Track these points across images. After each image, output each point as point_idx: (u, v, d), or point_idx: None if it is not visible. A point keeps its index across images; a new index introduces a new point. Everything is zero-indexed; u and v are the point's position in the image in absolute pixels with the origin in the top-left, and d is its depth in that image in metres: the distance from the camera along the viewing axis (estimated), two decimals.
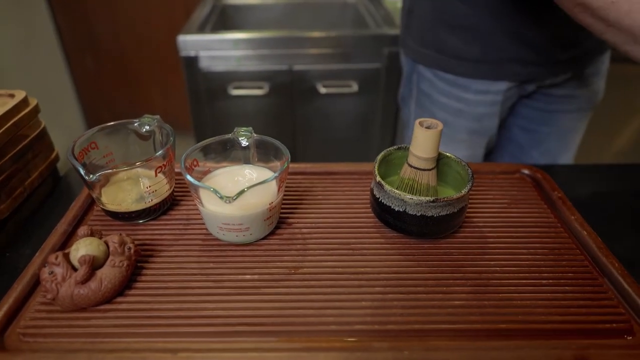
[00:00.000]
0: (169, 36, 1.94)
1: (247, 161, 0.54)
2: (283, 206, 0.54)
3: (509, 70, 0.80)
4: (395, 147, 0.53)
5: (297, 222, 0.52)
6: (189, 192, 0.57)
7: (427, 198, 0.45)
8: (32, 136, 0.62)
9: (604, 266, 0.47)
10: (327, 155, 1.53)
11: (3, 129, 0.56)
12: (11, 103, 0.59)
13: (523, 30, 0.75)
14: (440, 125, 0.46)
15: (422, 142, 0.46)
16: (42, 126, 0.64)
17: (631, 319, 0.41)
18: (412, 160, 0.48)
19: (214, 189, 0.43)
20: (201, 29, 1.32)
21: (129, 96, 2.11)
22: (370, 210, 0.53)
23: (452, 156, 0.51)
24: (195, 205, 0.55)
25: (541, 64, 0.79)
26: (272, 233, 0.50)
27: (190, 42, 1.24)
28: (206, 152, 0.51)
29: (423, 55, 0.86)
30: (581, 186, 0.65)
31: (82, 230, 0.43)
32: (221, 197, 0.42)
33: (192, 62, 1.26)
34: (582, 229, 0.51)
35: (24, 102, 0.61)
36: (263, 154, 0.52)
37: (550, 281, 0.45)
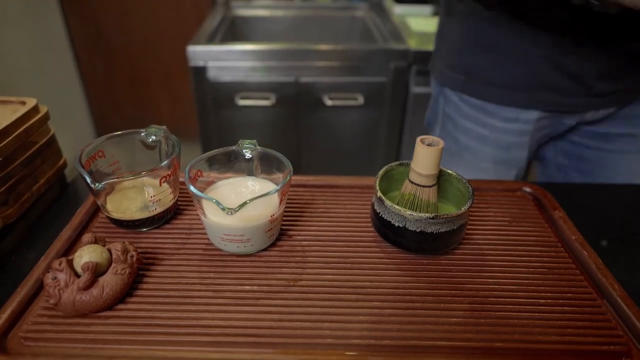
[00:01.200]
0: (179, 45, 1.96)
1: (250, 173, 0.54)
2: (284, 218, 0.55)
3: (541, 98, 0.75)
4: (397, 162, 0.53)
5: (298, 235, 0.53)
6: (192, 201, 0.58)
7: (427, 214, 0.45)
8: (41, 143, 0.63)
9: (604, 287, 0.47)
10: (331, 167, 1.54)
11: (13, 135, 0.57)
12: (22, 110, 0.60)
13: (560, 56, 0.71)
14: (441, 143, 0.47)
15: (423, 159, 0.47)
16: (51, 133, 0.66)
17: (629, 342, 0.41)
18: (413, 176, 0.49)
19: (216, 200, 0.43)
20: (210, 40, 1.34)
21: (138, 103, 2.13)
22: (371, 224, 0.53)
23: (454, 173, 0.52)
24: (197, 215, 0.55)
25: (578, 94, 0.74)
26: (272, 245, 0.51)
27: (200, 52, 1.26)
28: (210, 163, 0.52)
29: (450, 78, 0.83)
30: (584, 205, 0.65)
31: (86, 237, 0.44)
32: (223, 209, 0.43)
33: (200, 71, 1.28)
34: (583, 249, 0.51)
35: (35, 109, 0.62)
36: (266, 166, 0.53)
37: (549, 301, 0.45)
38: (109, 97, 2.15)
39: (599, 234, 0.56)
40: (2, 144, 0.56)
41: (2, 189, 0.56)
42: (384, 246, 0.51)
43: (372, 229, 0.53)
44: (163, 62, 2.05)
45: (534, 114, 0.78)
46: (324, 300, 0.44)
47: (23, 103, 0.63)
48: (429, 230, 0.46)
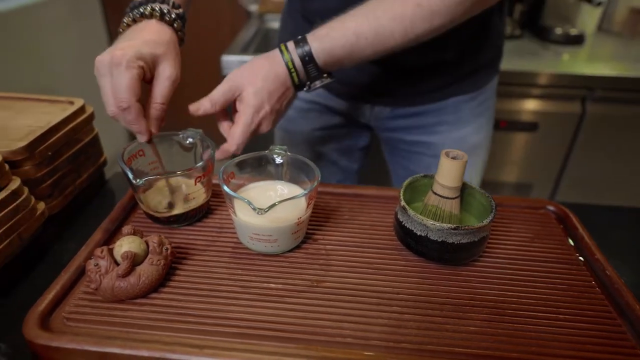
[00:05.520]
0: (214, 54, 2.03)
1: (279, 177, 0.57)
2: (310, 223, 0.57)
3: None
4: (421, 174, 0.55)
5: (322, 239, 0.55)
6: (223, 202, 0.61)
7: (449, 225, 0.47)
8: (85, 141, 0.67)
9: (624, 307, 0.47)
10: (377, 179, 1.54)
11: (62, 132, 0.62)
12: (70, 109, 0.65)
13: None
14: (465, 157, 0.48)
15: (447, 171, 0.49)
16: (95, 132, 0.70)
17: None
18: (436, 188, 0.50)
19: (248, 200, 0.46)
20: (244, 50, 1.38)
21: (171, 108, 2.20)
22: (394, 233, 0.55)
23: (477, 187, 0.53)
24: (228, 215, 0.58)
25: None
26: (298, 247, 0.53)
27: (233, 62, 1.31)
28: (242, 166, 0.55)
29: None
30: (608, 227, 0.65)
31: (126, 229, 0.47)
32: (254, 209, 0.45)
33: None
34: (605, 268, 0.51)
35: (82, 109, 0.67)
36: (295, 171, 0.55)
37: (568, 317, 0.46)
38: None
39: (620, 255, 0.57)
40: (51, 140, 0.60)
41: (49, 182, 0.60)
42: (405, 254, 0.53)
43: (395, 237, 0.54)
44: (198, 70, 2.11)
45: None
46: (345, 302, 0.46)
47: (71, 103, 0.68)
48: (450, 241, 0.48)
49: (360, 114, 0.87)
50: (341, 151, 0.95)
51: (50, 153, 0.60)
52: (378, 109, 0.85)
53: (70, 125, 0.64)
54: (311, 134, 0.90)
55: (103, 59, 0.50)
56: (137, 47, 0.51)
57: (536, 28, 1.60)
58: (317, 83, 0.60)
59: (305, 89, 0.61)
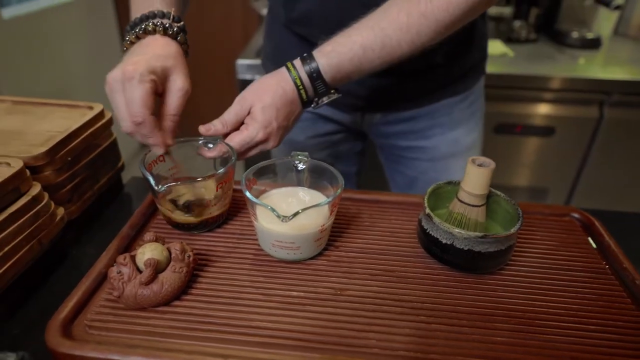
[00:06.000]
0: (226, 60, 2.04)
1: (300, 183, 0.56)
2: (332, 229, 0.56)
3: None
4: (445, 181, 0.54)
5: (344, 246, 0.54)
6: (243, 208, 0.60)
7: (476, 233, 0.46)
8: (104, 145, 0.67)
9: None
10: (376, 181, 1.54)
11: (81, 137, 0.62)
12: (89, 115, 0.65)
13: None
14: (492, 164, 0.47)
15: (473, 179, 0.48)
16: (113, 137, 0.70)
17: None
18: (462, 195, 0.49)
19: (271, 207, 0.45)
20: (259, 55, 1.38)
21: (184, 113, 2.21)
22: (417, 240, 0.54)
23: (502, 195, 0.52)
24: (248, 221, 0.58)
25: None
26: (320, 254, 0.52)
27: (248, 66, 1.31)
28: (263, 172, 0.54)
29: None
30: (634, 234, 0.63)
31: (149, 235, 0.47)
32: (278, 216, 0.45)
33: (247, 85, 1.32)
34: (635, 277, 0.50)
35: (101, 114, 0.67)
36: (316, 178, 0.55)
37: (598, 327, 0.45)
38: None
39: None
40: (71, 145, 0.60)
41: (69, 187, 0.60)
42: (429, 262, 0.52)
43: (418, 244, 0.54)
44: (209, 76, 2.12)
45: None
46: (369, 311, 0.45)
47: (90, 108, 0.68)
48: (477, 249, 0.47)
49: (353, 121, 0.87)
50: (337, 156, 0.95)
51: (70, 158, 0.60)
52: (369, 116, 0.85)
53: (90, 131, 0.64)
54: (305, 142, 0.90)
55: (115, 75, 0.50)
56: (148, 61, 0.51)
57: (552, 32, 1.59)
58: (325, 99, 0.60)
59: (312, 105, 0.61)
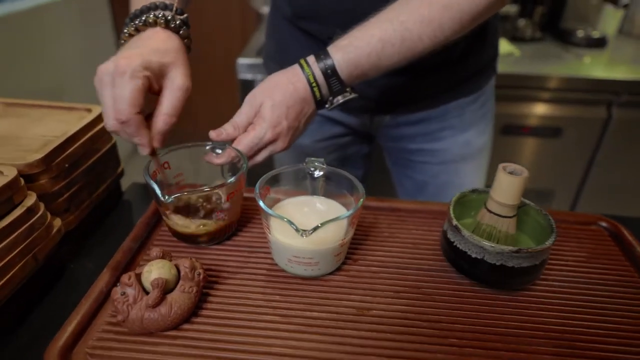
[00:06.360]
0: (223, 60, 1.99)
1: (315, 192, 0.53)
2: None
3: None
4: (470, 189, 0.51)
5: (363, 259, 0.51)
6: (252, 217, 0.57)
7: (510, 247, 0.42)
8: (103, 150, 0.63)
9: None
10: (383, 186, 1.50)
11: (80, 142, 0.58)
12: (88, 118, 0.61)
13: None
14: (525, 172, 0.44)
15: (505, 188, 0.44)
16: (113, 141, 0.66)
17: None
18: (492, 206, 0.46)
19: (288, 220, 0.42)
20: (260, 54, 1.35)
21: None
22: (440, 252, 0.50)
23: (531, 204, 0.49)
24: (259, 232, 0.54)
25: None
26: (338, 269, 0.49)
27: (249, 65, 1.27)
28: (277, 180, 0.50)
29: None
30: None
31: (155, 251, 0.43)
32: (297, 230, 0.41)
33: (248, 85, 1.28)
34: None
35: (100, 117, 0.62)
36: (333, 186, 0.51)
37: None
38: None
39: None
40: (69, 151, 0.56)
41: (66, 195, 0.56)
42: (455, 277, 0.48)
43: (442, 257, 0.50)
44: (205, 76, 2.08)
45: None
46: (397, 334, 0.41)
47: (89, 110, 0.63)
48: (510, 265, 0.43)
49: (361, 124, 0.84)
50: (344, 160, 0.92)
51: (67, 165, 0.56)
52: (378, 118, 0.81)
53: (88, 135, 0.59)
54: (312, 146, 0.87)
55: (106, 68, 0.46)
56: (144, 56, 0.47)
57: (557, 31, 1.56)
58: (340, 98, 0.56)
59: (327, 105, 0.57)
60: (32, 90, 1.54)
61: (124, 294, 0.40)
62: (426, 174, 0.86)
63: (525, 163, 1.42)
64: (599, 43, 1.48)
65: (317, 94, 0.55)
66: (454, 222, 0.46)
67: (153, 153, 0.50)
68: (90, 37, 1.85)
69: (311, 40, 0.73)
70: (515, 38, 1.51)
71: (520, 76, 1.28)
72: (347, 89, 0.56)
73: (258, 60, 1.26)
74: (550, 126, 1.34)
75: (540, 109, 1.33)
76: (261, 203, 0.44)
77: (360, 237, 0.54)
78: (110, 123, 0.47)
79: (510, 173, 0.44)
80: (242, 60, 1.26)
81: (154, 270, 0.41)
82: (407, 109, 0.79)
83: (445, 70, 0.74)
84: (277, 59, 0.83)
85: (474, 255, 0.45)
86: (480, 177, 0.89)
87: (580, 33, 1.48)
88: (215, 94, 2.08)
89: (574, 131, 1.34)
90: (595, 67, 1.35)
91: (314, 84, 0.54)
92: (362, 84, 0.58)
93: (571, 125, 1.33)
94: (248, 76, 1.28)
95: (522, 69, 1.29)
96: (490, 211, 0.46)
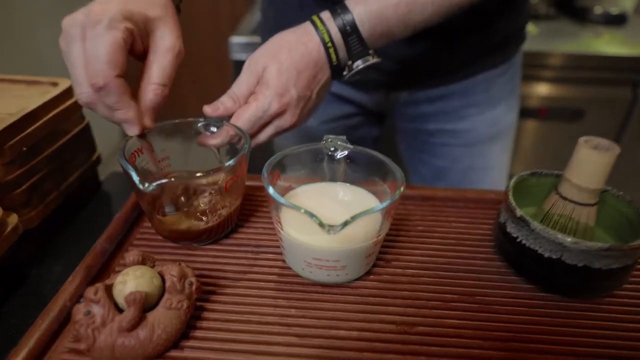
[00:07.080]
0: (213, 43, 1.88)
1: (333, 177, 0.42)
2: None
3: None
4: (528, 172, 0.41)
5: (397, 260, 0.41)
6: (257, 211, 0.46)
7: (599, 244, 0.33)
8: (73, 132, 0.53)
9: None
10: None
11: (41, 121, 0.47)
12: (53, 92, 0.50)
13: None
14: (616, 148, 0.34)
15: (588, 167, 0.34)
16: (85, 122, 0.55)
17: None
18: (567, 191, 0.36)
19: (309, 212, 0.32)
20: (255, 32, 1.24)
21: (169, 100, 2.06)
22: (492, 251, 0.41)
23: (611, 189, 0.39)
24: (265, 228, 0.44)
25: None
26: (368, 273, 0.39)
27: (243, 44, 1.16)
28: (288, 163, 0.40)
29: None
30: None
31: (132, 255, 0.33)
32: (322, 225, 0.31)
33: (242, 66, 1.17)
34: None
35: (68, 92, 0.52)
36: (360, 170, 0.41)
37: None
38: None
39: None
40: (27, 131, 0.45)
41: (25, 186, 0.46)
42: (513, 280, 0.38)
43: (495, 256, 0.40)
44: (194, 60, 1.96)
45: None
46: (454, 357, 0.31)
47: (55, 84, 0.53)
48: (596, 266, 0.33)
49: (374, 102, 0.74)
50: (351, 143, 0.81)
51: (25, 149, 0.45)
52: (393, 94, 0.71)
53: (53, 113, 0.49)
54: (317, 127, 0.76)
55: (74, 19, 0.36)
56: (124, 4, 0.36)
57: (572, 8, 1.46)
58: (360, 63, 0.46)
59: (344, 72, 0.47)
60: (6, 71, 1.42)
61: (88, 313, 0.29)
62: (446, 159, 0.76)
63: (542, 149, 1.33)
64: (619, 20, 1.38)
65: (334, 57, 0.45)
66: (518, 212, 0.36)
67: (143, 134, 0.40)
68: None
69: (320, 3, 0.62)
70: (529, 15, 1.41)
71: (539, 54, 1.18)
72: (370, 52, 0.46)
73: (254, 39, 1.15)
74: (571, 107, 1.24)
75: (559, 90, 1.23)
76: (271, 190, 0.34)
77: (390, 234, 0.44)
78: (83, 91, 0.36)
79: (594, 148, 0.34)
80: (236, 39, 1.15)
81: (130, 281, 0.31)
82: (427, 83, 0.69)
83: (471, 36, 0.64)
84: (278, 31, 0.72)
85: (547, 255, 0.35)
86: (507, 159, 0.79)
87: (597, 10, 1.39)
88: (204, 78, 1.96)
89: (596, 114, 1.24)
90: (616, 44, 1.26)
91: (329, 45, 0.44)
92: (378, 54, 0.48)
93: (594, 107, 1.24)
94: (243, 56, 1.17)
95: (540, 46, 1.19)
96: (564, 197, 0.36)
